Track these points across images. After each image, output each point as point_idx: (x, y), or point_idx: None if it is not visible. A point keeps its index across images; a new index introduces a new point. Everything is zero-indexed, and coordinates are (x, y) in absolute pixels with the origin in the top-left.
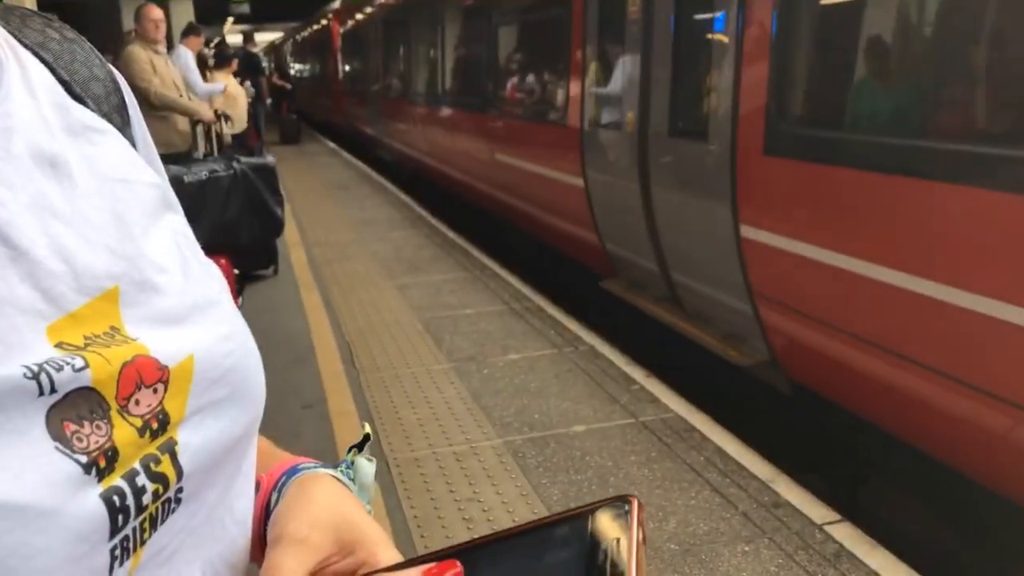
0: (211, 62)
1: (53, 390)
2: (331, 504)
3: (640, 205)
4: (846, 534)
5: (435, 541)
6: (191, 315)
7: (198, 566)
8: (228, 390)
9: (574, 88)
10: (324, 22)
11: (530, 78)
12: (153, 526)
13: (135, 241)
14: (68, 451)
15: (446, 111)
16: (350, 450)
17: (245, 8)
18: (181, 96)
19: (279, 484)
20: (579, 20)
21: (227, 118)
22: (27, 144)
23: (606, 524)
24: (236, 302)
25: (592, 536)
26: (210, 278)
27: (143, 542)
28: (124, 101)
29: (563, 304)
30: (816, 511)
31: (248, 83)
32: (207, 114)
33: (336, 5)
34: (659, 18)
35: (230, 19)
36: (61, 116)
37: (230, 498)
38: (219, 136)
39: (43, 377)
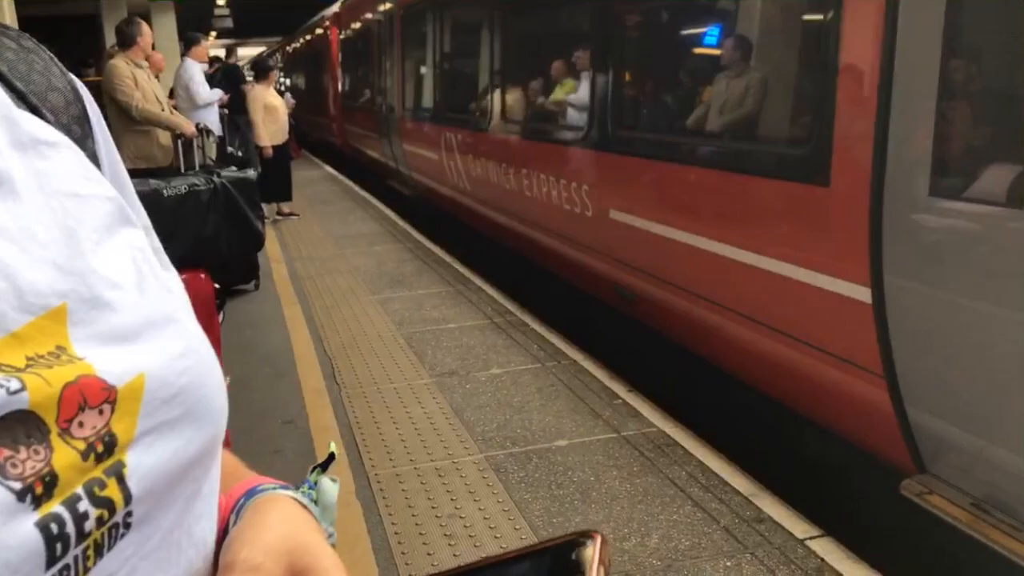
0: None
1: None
2: (286, 529)
3: None
4: (828, 549)
5: (416, 558)
6: (144, 332)
7: None
8: (182, 409)
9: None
10: (319, 31)
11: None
12: (99, 553)
13: (85, 257)
14: (1, 478)
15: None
16: (313, 469)
17: (228, 23)
18: (163, 110)
19: (237, 506)
20: None
21: (209, 132)
22: None
23: (568, 562)
24: (217, 317)
25: (556, 562)
26: (168, 293)
27: (87, 570)
28: (86, 112)
29: (546, 318)
30: (798, 526)
31: (288, 95)
32: (189, 128)
33: (335, 8)
34: None
35: (213, 33)
36: (8, 130)
37: (188, 521)
38: (202, 150)
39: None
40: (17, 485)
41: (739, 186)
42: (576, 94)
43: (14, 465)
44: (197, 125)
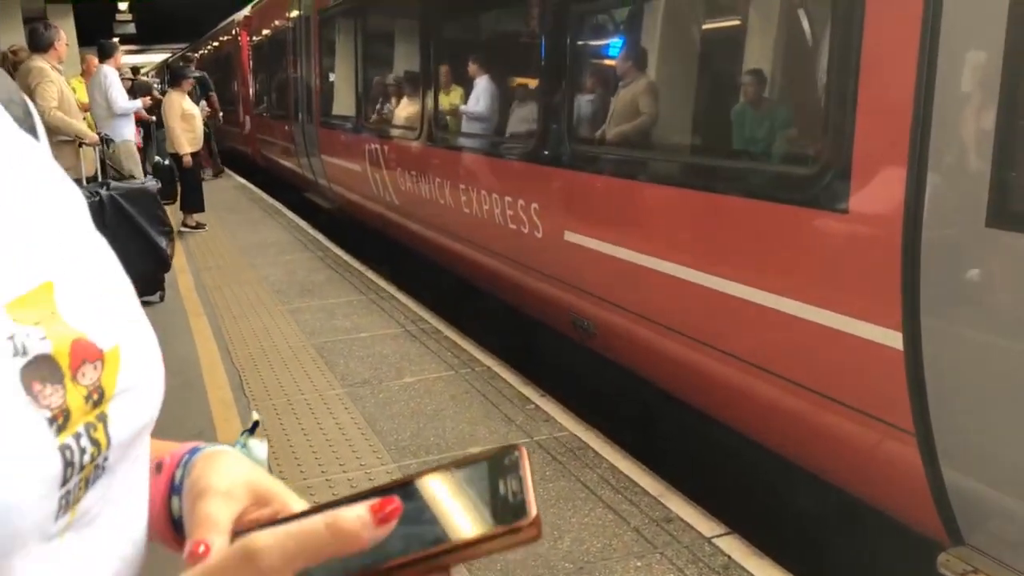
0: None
1: (25, 353)
2: (241, 467)
3: None
4: (734, 546)
5: None
6: (115, 311)
7: (108, 536)
8: (145, 380)
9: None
10: (227, 37)
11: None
12: (86, 487)
13: (67, 242)
14: (37, 405)
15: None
16: (242, 434)
17: (131, 28)
18: (83, 118)
19: (183, 461)
20: None
21: (110, 141)
22: None
23: (502, 466)
24: None
25: (492, 470)
26: (126, 280)
27: (77, 500)
28: (34, 123)
29: (460, 325)
30: (705, 525)
31: (203, 103)
32: (92, 137)
33: (246, 12)
34: None
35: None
36: None
37: (133, 477)
38: (103, 162)
39: (17, 340)
40: (47, 414)
41: (739, 211)
42: (521, 101)
43: (44, 397)
44: (100, 135)
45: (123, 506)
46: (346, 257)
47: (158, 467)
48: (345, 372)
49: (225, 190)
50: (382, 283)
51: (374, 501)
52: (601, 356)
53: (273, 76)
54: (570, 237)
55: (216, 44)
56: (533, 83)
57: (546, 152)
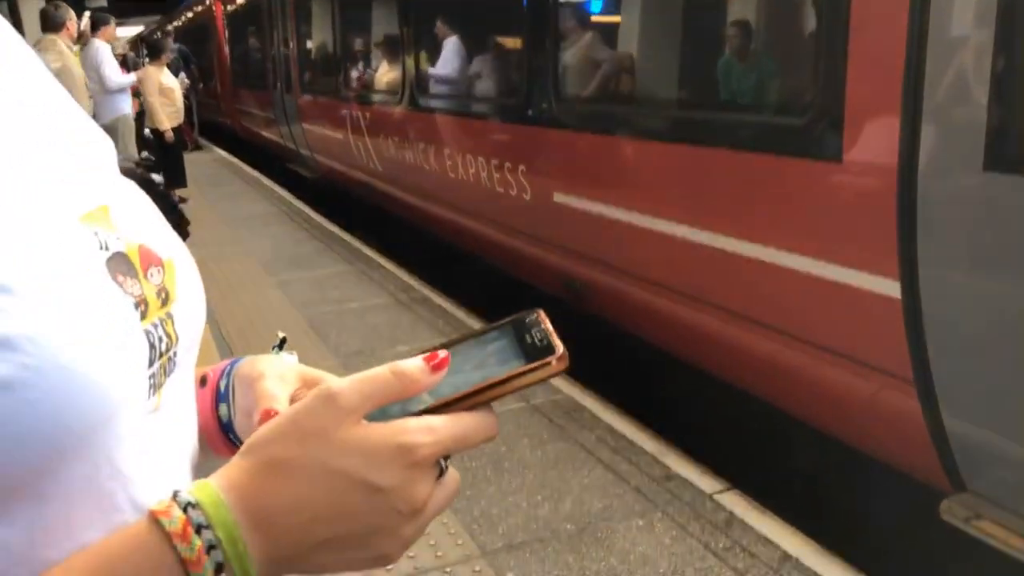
0: (144, 54)
1: (107, 248)
2: (285, 362)
3: None
4: (735, 502)
5: None
6: (163, 235)
7: (180, 430)
8: (196, 293)
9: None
10: (201, 7)
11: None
12: (164, 375)
13: (112, 176)
14: (124, 291)
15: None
16: (272, 348)
17: (102, 1)
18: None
19: (226, 371)
20: None
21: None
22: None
23: (524, 325)
24: None
25: (516, 329)
26: (159, 214)
27: (161, 385)
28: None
29: (450, 292)
30: (706, 482)
31: (183, 75)
32: None
33: None
34: None
35: (87, 14)
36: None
37: (190, 382)
38: None
39: (100, 236)
40: (132, 300)
41: (727, 164)
42: (505, 61)
43: (127, 286)
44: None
45: (188, 405)
46: (332, 228)
47: (202, 381)
48: (338, 343)
49: (205, 164)
50: (370, 253)
51: (427, 353)
52: (595, 316)
53: (251, 45)
54: (559, 198)
55: (192, 15)
56: (516, 42)
57: (531, 112)
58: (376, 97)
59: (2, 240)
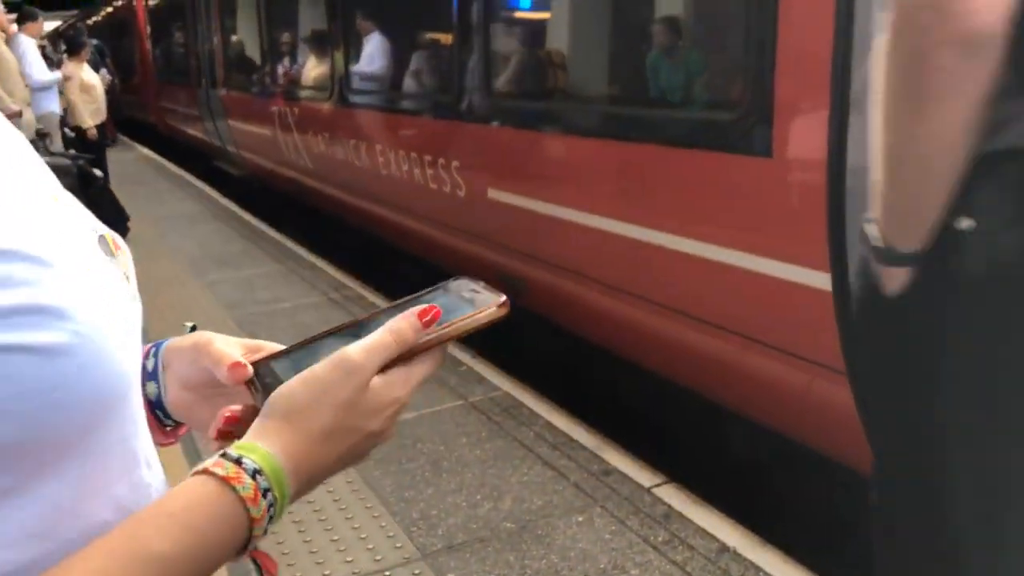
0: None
1: (95, 230)
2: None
3: None
4: (674, 495)
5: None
6: (104, 229)
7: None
8: (134, 281)
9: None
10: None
11: None
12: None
13: (48, 174)
14: (115, 265)
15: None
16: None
17: None
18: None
19: (151, 352)
20: None
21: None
22: None
23: (458, 282)
24: None
25: (454, 288)
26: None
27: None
28: None
29: (386, 290)
30: (644, 475)
31: (104, 71)
32: (7, 107)
33: None
34: None
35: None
36: None
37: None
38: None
39: (87, 220)
40: (121, 272)
41: (663, 160)
42: (437, 56)
43: (114, 261)
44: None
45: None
46: (261, 226)
47: None
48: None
49: (128, 162)
50: (301, 251)
51: (419, 310)
52: (533, 313)
53: (174, 40)
54: (494, 195)
55: (112, 9)
56: (448, 37)
57: (465, 108)
58: (305, 93)
59: (34, 218)
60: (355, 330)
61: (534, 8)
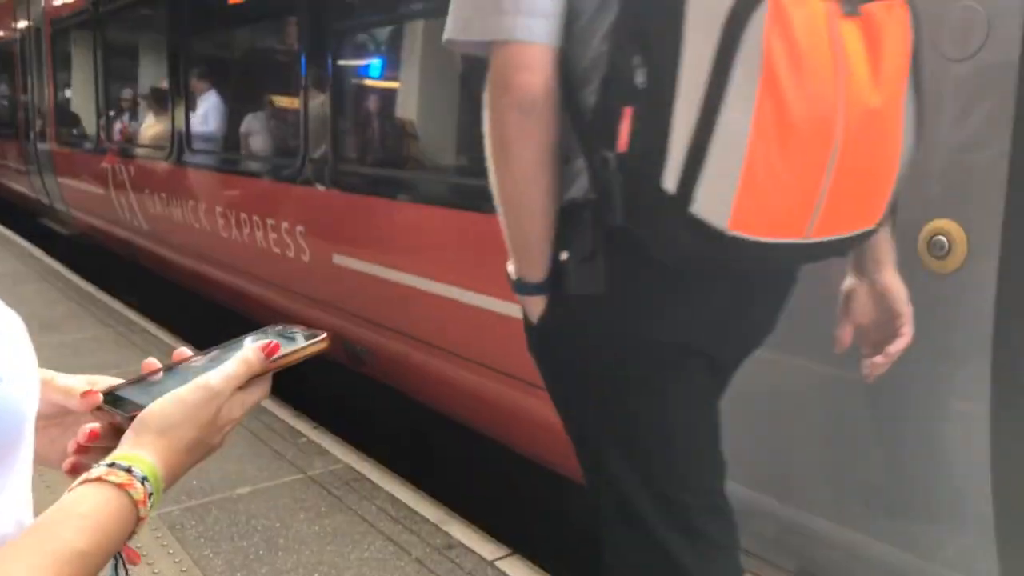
0: None
1: None
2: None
3: None
4: (516, 567)
5: None
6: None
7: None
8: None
9: None
10: None
11: None
12: None
13: None
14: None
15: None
16: None
17: None
18: None
19: None
20: None
21: None
22: None
23: (279, 327)
24: None
25: (279, 330)
26: None
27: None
28: None
29: None
30: (487, 548)
31: None
32: None
33: None
34: None
35: None
36: None
37: None
38: None
39: None
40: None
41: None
42: (283, 121)
43: None
44: None
45: None
46: (89, 288)
47: None
48: None
49: None
50: (132, 315)
51: (263, 344)
52: (376, 381)
53: (0, 90)
54: (339, 260)
55: None
56: (294, 102)
57: (310, 173)
58: (141, 151)
59: None
60: (170, 373)
61: (383, 76)
